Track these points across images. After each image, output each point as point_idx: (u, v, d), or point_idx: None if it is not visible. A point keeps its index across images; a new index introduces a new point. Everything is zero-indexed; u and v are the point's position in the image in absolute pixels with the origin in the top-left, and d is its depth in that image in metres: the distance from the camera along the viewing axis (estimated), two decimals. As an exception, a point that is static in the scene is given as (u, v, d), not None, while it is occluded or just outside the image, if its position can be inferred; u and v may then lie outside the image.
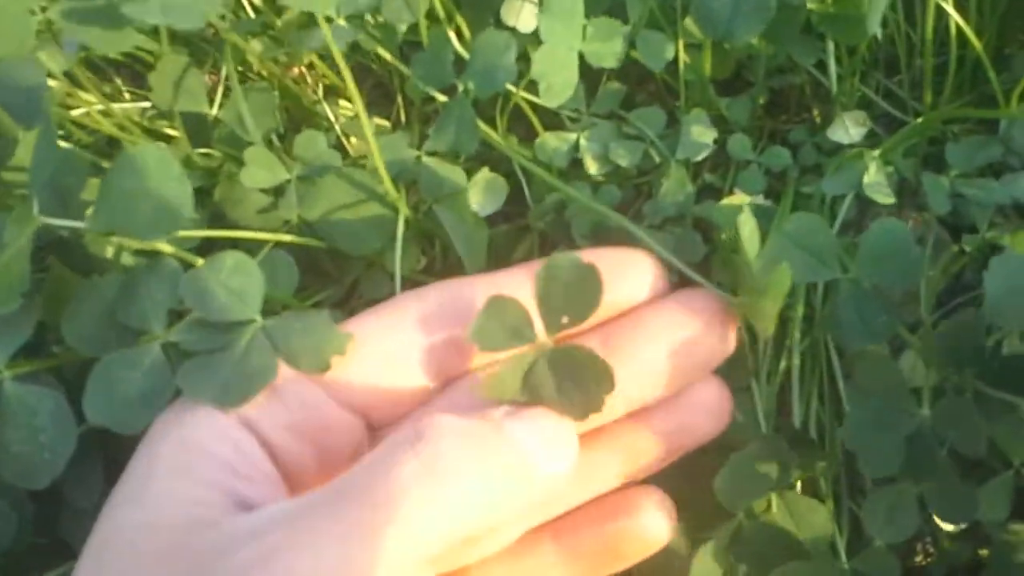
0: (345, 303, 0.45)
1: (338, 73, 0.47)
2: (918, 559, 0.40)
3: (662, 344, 0.32)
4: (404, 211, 0.39)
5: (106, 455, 0.40)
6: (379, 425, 0.33)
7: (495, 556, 0.33)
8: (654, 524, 0.33)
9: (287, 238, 0.39)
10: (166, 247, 0.34)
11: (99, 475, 0.40)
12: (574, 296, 0.30)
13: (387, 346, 0.32)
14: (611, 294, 0.31)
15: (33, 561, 0.37)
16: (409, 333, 0.32)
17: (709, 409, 0.34)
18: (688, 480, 0.35)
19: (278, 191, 0.41)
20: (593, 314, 0.30)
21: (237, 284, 0.32)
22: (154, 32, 0.48)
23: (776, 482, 0.34)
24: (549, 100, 0.41)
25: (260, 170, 0.41)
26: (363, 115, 0.36)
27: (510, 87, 0.41)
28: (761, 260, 0.32)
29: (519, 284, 0.32)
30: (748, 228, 0.32)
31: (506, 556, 0.33)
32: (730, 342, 0.33)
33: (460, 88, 0.40)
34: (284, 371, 0.31)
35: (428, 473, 0.26)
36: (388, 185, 0.38)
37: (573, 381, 0.30)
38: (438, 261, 0.45)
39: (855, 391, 0.35)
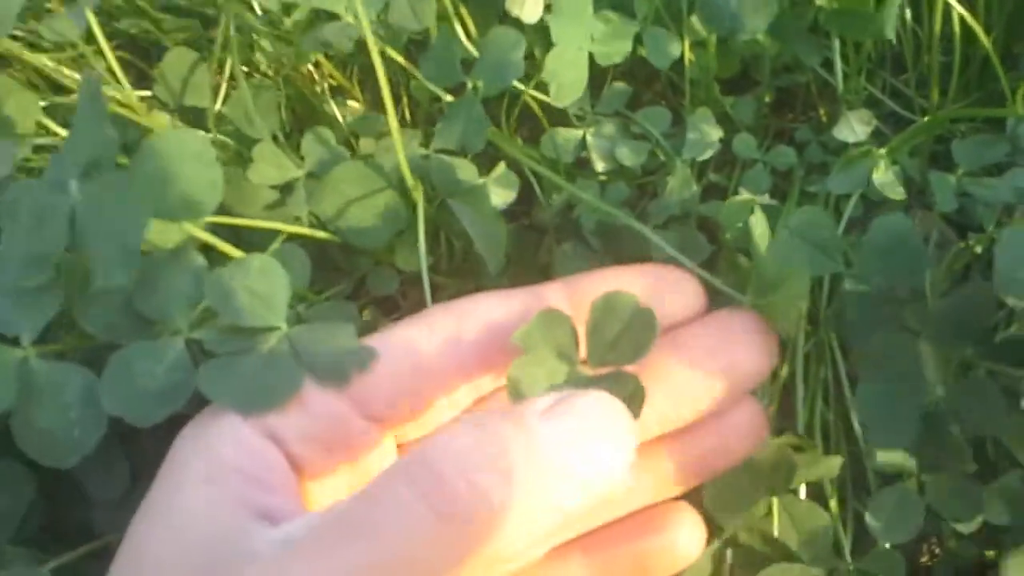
0: (354, 298, 0.45)
1: (344, 72, 0.48)
2: (924, 559, 0.40)
3: (701, 366, 0.31)
4: (421, 204, 0.39)
5: (129, 445, 0.39)
6: (407, 440, 0.33)
7: (522, 570, 0.32)
8: (686, 541, 0.33)
9: (299, 230, 0.39)
10: (194, 230, 0.33)
11: (124, 465, 0.39)
12: (627, 337, 0.29)
13: (417, 360, 0.31)
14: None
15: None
16: (439, 347, 0.31)
17: (744, 430, 0.33)
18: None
19: (285, 188, 0.41)
20: (639, 360, 0.29)
21: (263, 288, 0.32)
22: (156, 25, 0.48)
23: (778, 488, 0.34)
24: (560, 99, 0.41)
25: (268, 167, 0.41)
26: (389, 99, 0.35)
27: (519, 85, 0.41)
28: (769, 258, 0.32)
29: (556, 302, 0.31)
30: (760, 229, 0.31)
31: (534, 572, 0.33)
32: (769, 364, 0.33)
33: (469, 85, 0.40)
34: (310, 381, 0.30)
35: (423, 500, 0.24)
36: (407, 173, 0.37)
37: None
38: (444, 258, 0.45)
39: (869, 363, 0.33)
